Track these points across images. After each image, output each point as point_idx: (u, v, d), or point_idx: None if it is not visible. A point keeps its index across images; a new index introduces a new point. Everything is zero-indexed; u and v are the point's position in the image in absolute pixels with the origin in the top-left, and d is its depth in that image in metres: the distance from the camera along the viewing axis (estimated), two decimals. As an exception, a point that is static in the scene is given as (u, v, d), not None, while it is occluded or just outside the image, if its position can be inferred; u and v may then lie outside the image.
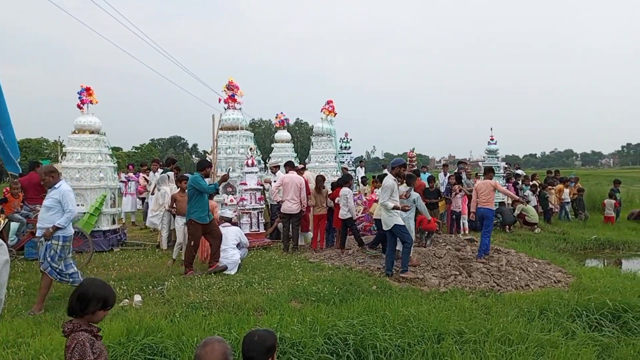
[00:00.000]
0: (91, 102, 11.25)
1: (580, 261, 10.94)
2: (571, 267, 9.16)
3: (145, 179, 13.62)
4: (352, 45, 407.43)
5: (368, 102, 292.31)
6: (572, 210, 17.00)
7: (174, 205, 9.35)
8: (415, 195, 8.86)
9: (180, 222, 9.30)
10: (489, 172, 10.20)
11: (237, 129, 12.46)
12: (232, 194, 11.28)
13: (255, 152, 11.85)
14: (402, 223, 7.98)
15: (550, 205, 15.64)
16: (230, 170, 12.05)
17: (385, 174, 11.03)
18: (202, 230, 8.16)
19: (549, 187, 15.87)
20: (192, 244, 8.16)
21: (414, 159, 22.30)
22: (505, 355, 4.62)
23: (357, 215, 11.51)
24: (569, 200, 16.61)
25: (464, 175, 13.76)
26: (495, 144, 14.93)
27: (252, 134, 13.16)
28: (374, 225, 12.32)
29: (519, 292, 7.34)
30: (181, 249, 8.99)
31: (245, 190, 10.67)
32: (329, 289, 6.79)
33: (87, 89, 11.19)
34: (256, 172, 10.90)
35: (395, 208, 7.86)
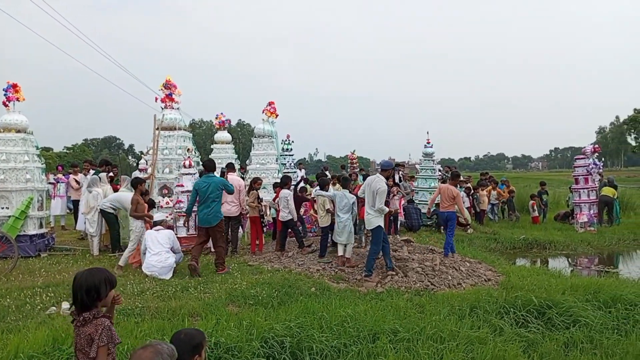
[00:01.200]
0: (18, 99, 10.67)
1: (510, 260, 11.42)
2: (501, 266, 9.58)
3: (76, 180, 13.04)
4: (297, 46, 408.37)
5: (311, 105, 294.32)
6: (503, 211, 17.78)
7: (137, 210, 8.91)
8: (352, 197, 8.98)
9: (139, 226, 8.85)
10: (456, 177, 10.30)
11: (175, 129, 12.16)
12: (169, 196, 11.00)
13: (193, 153, 11.62)
14: (383, 225, 8.19)
15: (483, 207, 16.27)
16: (168, 172, 11.76)
17: (326, 175, 11.12)
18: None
19: (481, 189, 16.53)
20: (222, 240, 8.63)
21: (355, 161, 22.57)
22: (437, 352, 4.76)
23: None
24: (496, 202, 17.32)
25: (397, 177, 14.07)
26: (431, 147, 15.35)
27: (191, 134, 12.90)
28: (314, 227, 12.41)
29: (451, 290, 7.59)
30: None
31: (182, 192, 10.43)
32: (267, 292, 6.76)
33: (14, 86, 10.60)
34: (194, 174, 10.67)
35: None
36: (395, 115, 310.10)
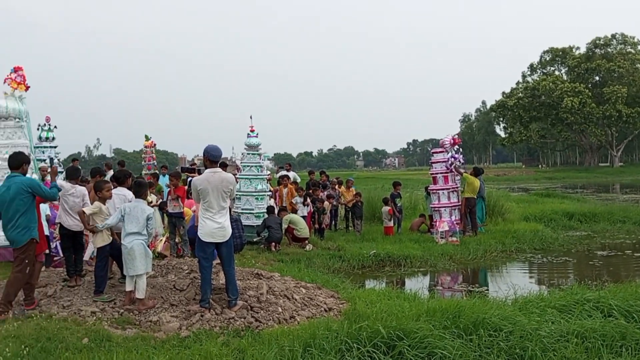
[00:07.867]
0: None
1: (358, 282, 12.13)
2: (346, 290, 10.11)
3: None
4: None
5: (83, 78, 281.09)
6: (347, 219, 18.74)
7: None
8: (148, 210, 8.80)
9: None
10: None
11: None
12: None
13: None
14: None
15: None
16: None
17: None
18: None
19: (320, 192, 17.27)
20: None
21: (149, 151, 21.78)
22: (259, 411, 4.84)
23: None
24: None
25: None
26: (256, 136, 15.36)
27: None
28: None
29: (282, 326, 7.78)
30: None
31: None
32: (13, 350, 6.30)
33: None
34: None
35: None
36: (210, 102, 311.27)
